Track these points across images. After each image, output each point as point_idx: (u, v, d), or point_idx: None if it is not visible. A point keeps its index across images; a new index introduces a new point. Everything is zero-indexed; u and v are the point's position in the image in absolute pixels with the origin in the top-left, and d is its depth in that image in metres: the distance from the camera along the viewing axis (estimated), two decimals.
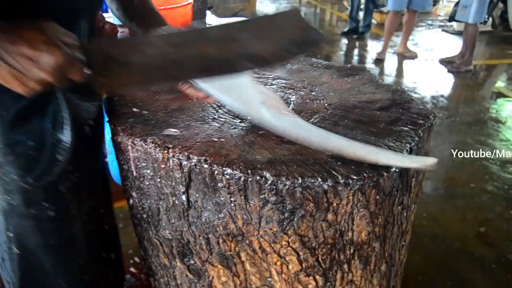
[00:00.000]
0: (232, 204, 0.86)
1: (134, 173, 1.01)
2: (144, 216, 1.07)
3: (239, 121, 1.01)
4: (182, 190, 0.90)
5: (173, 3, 1.70)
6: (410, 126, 0.99)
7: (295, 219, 0.84)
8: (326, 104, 1.10)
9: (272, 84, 1.22)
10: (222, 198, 0.86)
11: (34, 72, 0.73)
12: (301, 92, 1.17)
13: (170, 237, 1.02)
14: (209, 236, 0.94)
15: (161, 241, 1.07)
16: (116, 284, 1.33)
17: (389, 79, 4.74)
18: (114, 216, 1.32)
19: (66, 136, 0.96)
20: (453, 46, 5.64)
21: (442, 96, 4.23)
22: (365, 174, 0.81)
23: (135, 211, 1.12)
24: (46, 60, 0.73)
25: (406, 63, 5.23)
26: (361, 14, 6.47)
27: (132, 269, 2.05)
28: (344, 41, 6.36)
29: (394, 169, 0.84)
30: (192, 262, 1.03)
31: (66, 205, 1.04)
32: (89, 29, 0.98)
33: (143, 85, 1.01)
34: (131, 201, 1.11)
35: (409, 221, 1.11)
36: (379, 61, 5.23)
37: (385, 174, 0.82)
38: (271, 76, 1.28)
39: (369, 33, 6.35)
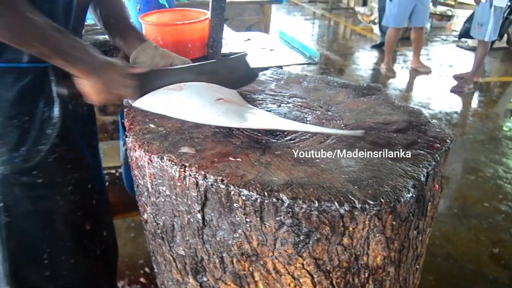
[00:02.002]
0: (248, 225, 0.86)
1: (150, 189, 1.01)
2: (158, 231, 1.07)
3: (255, 140, 1.02)
4: (197, 209, 0.91)
5: (191, 18, 1.72)
6: (427, 150, 0.99)
7: (311, 242, 0.84)
8: (342, 125, 1.10)
9: (288, 103, 1.23)
10: (237, 218, 0.86)
11: (117, 89, 1.05)
12: (317, 112, 1.17)
13: (184, 254, 1.03)
14: (223, 255, 0.94)
15: (174, 257, 1.07)
16: (105, 261, 1.45)
17: (403, 94, 4.73)
18: (106, 198, 1.46)
19: (55, 113, 1.14)
20: (467, 62, 5.61)
21: (455, 112, 4.22)
22: (382, 200, 0.80)
23: (149, 226, 1.12)
24: (125, 84, 1.05)
25: (420, 78, 5.22)
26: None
27: (142, 280, 2.06)
28: (357, 54, 6.37)
29: (411, 194, 0.84)
30: (205, 279, 1.03)
31: (53, 174, 1.18)
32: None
33: None
34: (145, 215, 1.12)
35: (423, 245, 1.10)
36: (389, 77, 5.22)
37: (402, 200, 0.82)
38: (287, 94, 1.28)
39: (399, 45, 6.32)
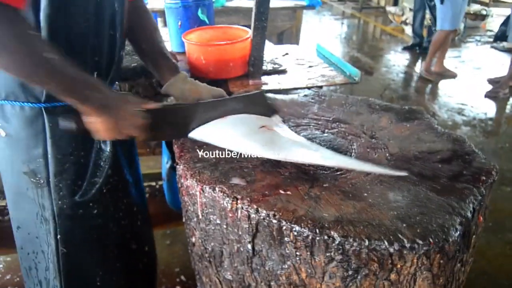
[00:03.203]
0: (297, 258, 0.89)
1: (200, 216, 1.05)
2: (206, 255, 1.11)
3: (303, 171, 1.04)
4: (248, 240, 0.94)
5: (231, 36, 1.75)
6: (472, 183, 1.00)
7: (359, 277, 0.86)
8: (387, 155, 1.11)
9: (332, 128, 1.25)
10: (287, 251, 0.89)
11: (128, 127, 1.04)
12: (361, 139, 1.19)
13: (231, 279, 1.06)
14: (271, 283, 0.97)
15: (221, 280, 1.11)
16: (147, 273, 1.51)
17: (437, 99, 4.67)
18: (148, 214, 1.50)
19: (107, 145, 1.17)
20: (503, 65, 5.49)
21: (490, 119, 4.14)
22: (430, 239, 0.82)
23: (197, 249, 1.16)
24: (137, 123, 1.04)
25: (453, 83, 5.12)
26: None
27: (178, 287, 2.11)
28: (388, 56, 6.31)
29: (459, 232, 0.86)
30: None
31: (107, 204, 1.23)
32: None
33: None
34: (193, 239, 1.16)
35: (465, 273, 1.11)
36: (425, 80, 5.12)
37: (451, 239, 0.83)
38: (330, 119, 1.30)
39: None
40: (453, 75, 5.25)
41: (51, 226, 1.19)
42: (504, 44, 6.25)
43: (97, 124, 1.00)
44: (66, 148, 1.12)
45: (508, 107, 4.53)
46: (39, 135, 1.10)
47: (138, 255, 1.43)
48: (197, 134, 1.14)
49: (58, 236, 1.19)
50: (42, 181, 1.14)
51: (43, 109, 1.07)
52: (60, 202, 1.16)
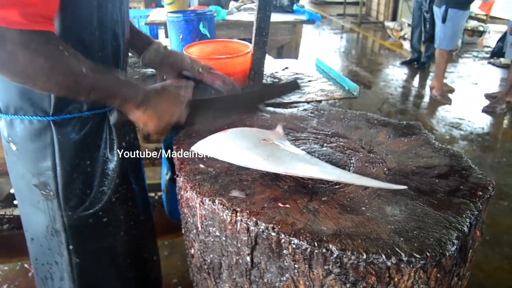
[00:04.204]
0: (296, 270, 0.90)
1: (199, 228, 1.06)
2: (205, 267, 1.12)
3: (302, 185, 1.06)
4: (247, 252, 0.95)
5: (232, 50, 1.77)
6: (469, 198, 1.01)
7: None
8: (385, 169, 1.13)
9: (330, 142, 1.27)
10: (286, 263, 0.90)
11: (170, 117, 1.13)
12: (359, 154, 1.21)
13: None
14: None
15: None
16: (156, 283, 1.54)
17: (434, 114, 4.70)
18: (153, 223, 1.52)
19: (115, 155, 1.19)
20: (500, 80, 5.55)
21: (487, 134, 4.16)
22: (428, 253, 0.83)
23: (196, 261, 1.17)
24: (178, 110, 1.14)
25: (451, 97, 5.16)
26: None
27: None
28: (387, 71, 6.36)
29: (455, 247, 0.87)
30: None
31: (117, 213, 1.25)
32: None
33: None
34: (192, 250, 1.17)
35: (462, 287, 1.12)
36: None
37: (448, 253, 0.84)
38: (329, 133, 1.32)
39: (430, 64, 6.28)
40: (450, 90, 5.30)
41: (63, 237, 1.20)
42: (501, 60, 6.32)
43: (143, 118, 1.09)
44: (74, 159, 1.14)
45: (505, 122, 4.56)
46: (48, 147, 1.11)
47: (148, 265, 1.45)
48: (199, 147, 1.16)
49: (70, 247, 1.21)
50: (51, 193, 1.16)
51: (51, 122, 1.09)
52: (70, 213, 1.17)
